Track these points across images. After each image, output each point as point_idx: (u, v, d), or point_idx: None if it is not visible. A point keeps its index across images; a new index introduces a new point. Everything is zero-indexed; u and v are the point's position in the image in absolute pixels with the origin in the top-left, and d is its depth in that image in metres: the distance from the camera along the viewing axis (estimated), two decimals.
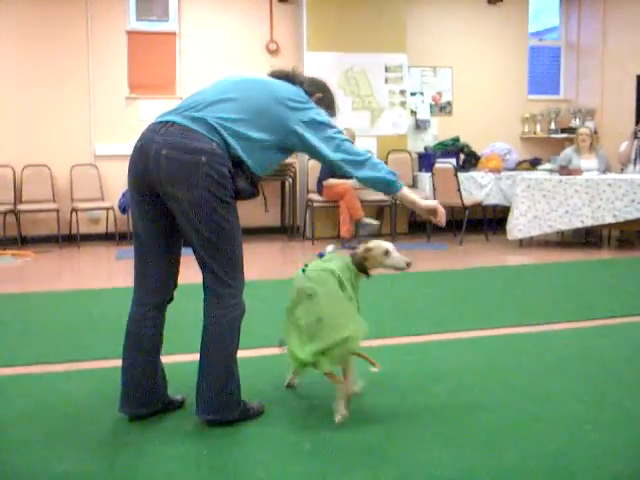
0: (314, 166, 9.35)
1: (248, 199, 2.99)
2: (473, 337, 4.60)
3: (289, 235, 9.55)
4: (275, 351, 3.39)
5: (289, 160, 9.53)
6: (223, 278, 2.97)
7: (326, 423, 3.07)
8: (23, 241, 8.88)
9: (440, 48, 10.51)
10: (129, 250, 8.28)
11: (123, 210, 9.02)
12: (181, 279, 3.21)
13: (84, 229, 9.22)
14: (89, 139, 9.39)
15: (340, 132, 3.07)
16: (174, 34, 9.62)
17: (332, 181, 8.88)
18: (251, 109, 2.95)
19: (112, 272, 7.64)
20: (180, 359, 3.89)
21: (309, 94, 3.13)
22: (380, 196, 9.45)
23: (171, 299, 3.19)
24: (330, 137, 3.02)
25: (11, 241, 8.80)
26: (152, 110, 9.44)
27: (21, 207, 8.86)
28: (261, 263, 7.73)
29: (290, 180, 9.49)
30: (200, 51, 9.63)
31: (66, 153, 9.25)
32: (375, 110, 9.84)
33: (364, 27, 9.67)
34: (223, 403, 3.02)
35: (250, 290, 6.05)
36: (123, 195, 9.02)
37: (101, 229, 9.44)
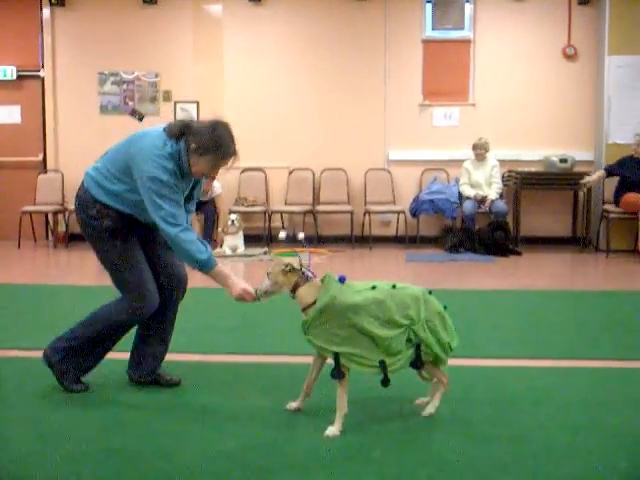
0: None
1: (117, 235, 3.51)
2: None
3: (581, 246, 9.19)
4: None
5: (581, 169, 9.18)
6: (117, 288, 3.63)
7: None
8: (320, 240, 9.45)
9: None
10: (418, 254, 8.40)
11: (414, 214, 9.27)
12: None
13: (376, 231, 9.60)
14: (383, 145, 9.77)
15: (168, 198, 3.32)
16: (468, 41, 9.70)
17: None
18: (112, 161, 3.50)
19: (400, 274, 7.87)
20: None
21: (189, 147, 3.41)
22: None
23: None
24: (152, 199, 3.33)
25: (309, 239, 9.40)
26: (444, 117, 9.60)
27: (319, 208, 9.45)
28: (549, 273, 7.54)
29: (584, 190, 9.14)
30: (493, 58, 9.62)
31: (361, 158, 9.72)
32: None
33: None
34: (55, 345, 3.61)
35: (536, 299, 5.90)
36: (414, 200, 9.27)
37: (392, 232, 9.77)
